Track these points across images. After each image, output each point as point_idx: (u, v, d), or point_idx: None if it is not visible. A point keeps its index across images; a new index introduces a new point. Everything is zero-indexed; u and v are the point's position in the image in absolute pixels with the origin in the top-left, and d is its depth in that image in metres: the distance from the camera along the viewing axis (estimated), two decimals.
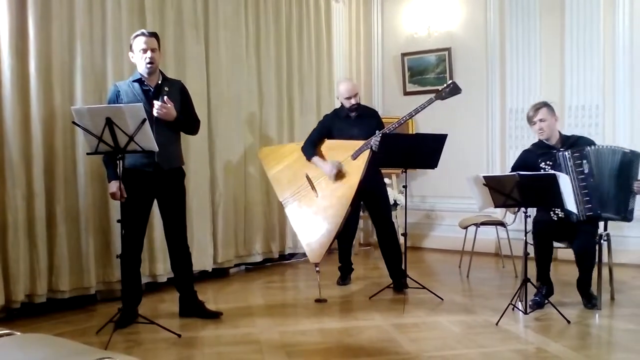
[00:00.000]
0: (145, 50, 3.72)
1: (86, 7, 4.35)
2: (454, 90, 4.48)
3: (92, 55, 4.40)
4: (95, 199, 4.38)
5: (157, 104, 3.69)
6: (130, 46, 3.80)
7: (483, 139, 6.57)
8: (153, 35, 3.81)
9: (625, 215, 4.05)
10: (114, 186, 3.71)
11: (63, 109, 4.15)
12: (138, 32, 3.80)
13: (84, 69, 4.31)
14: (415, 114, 4.51)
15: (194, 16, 5.13)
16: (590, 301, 4.10)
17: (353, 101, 4.76)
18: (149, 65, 3.73)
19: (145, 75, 3.79)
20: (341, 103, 4.87)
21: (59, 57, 4.18)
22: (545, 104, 4.26)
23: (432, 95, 4.53)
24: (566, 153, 4.05)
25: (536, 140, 4.37)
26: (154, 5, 4.81)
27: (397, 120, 4.58)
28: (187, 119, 3.93)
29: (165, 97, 3.72)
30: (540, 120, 4.19)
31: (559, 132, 4.30)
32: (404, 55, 7.07)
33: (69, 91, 4.27)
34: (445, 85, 4.59)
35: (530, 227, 4.03)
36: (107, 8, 4.48)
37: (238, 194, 5.60)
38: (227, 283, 5.27)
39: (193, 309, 4.04)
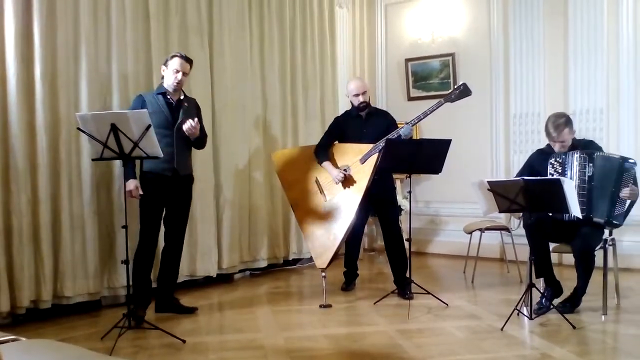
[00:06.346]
0: (177, 72, 4.02)
1: (91, 14, 4.38)
2: (464, 92, 4.46)
3: (97, 61, 4.42)
4: (100, 205, 4.40)
5: (190, 122, 3.92)
6: (166, 61, 4.08)
7: (487, 143, 6.56)
8: (189, 61, 4.11)
9: (611, 220, 4.02)
10: (132, 184, 3.91)
11: (68, 115, 4.17)
12: (177, 53, 4.11)
13: (89, 75, 4.34)
14: (424, 117, 4.48)
15: (198, 22, 5.15)
16: (572, 309, 4.08)
17: (361, 98, 4.78)
18: (175, 85, 4.04)
19: (170, 91, 4.07)
20: (351, 102, 4.91)
21: (64, 64, 4.20)
22: (567, 123, 4.07)
23: (442, 98, 4.51)
24: (576, 153, 4.05)
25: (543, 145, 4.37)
26: (158, 11, 4.83)
27: (403, 125, 4.55)
28: (202, 136, 4.20)
29: (196, 119, 3.98)
30: (562, 141, 4.07)
31: None
32: (407, 60, 7.08)
33: (74, 97, 4.29)
34: (455, 87, 4.57)
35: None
36: (112, 14, 4.50)
37: (242, 199, 5.60)
38: (232, 289, 5.26)
39: (169, 306, 4.23)
